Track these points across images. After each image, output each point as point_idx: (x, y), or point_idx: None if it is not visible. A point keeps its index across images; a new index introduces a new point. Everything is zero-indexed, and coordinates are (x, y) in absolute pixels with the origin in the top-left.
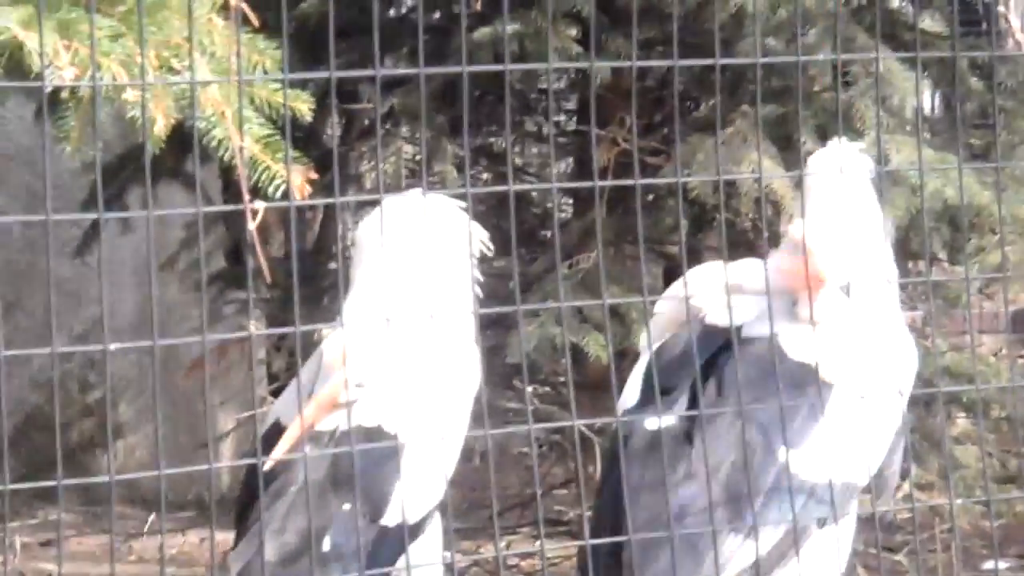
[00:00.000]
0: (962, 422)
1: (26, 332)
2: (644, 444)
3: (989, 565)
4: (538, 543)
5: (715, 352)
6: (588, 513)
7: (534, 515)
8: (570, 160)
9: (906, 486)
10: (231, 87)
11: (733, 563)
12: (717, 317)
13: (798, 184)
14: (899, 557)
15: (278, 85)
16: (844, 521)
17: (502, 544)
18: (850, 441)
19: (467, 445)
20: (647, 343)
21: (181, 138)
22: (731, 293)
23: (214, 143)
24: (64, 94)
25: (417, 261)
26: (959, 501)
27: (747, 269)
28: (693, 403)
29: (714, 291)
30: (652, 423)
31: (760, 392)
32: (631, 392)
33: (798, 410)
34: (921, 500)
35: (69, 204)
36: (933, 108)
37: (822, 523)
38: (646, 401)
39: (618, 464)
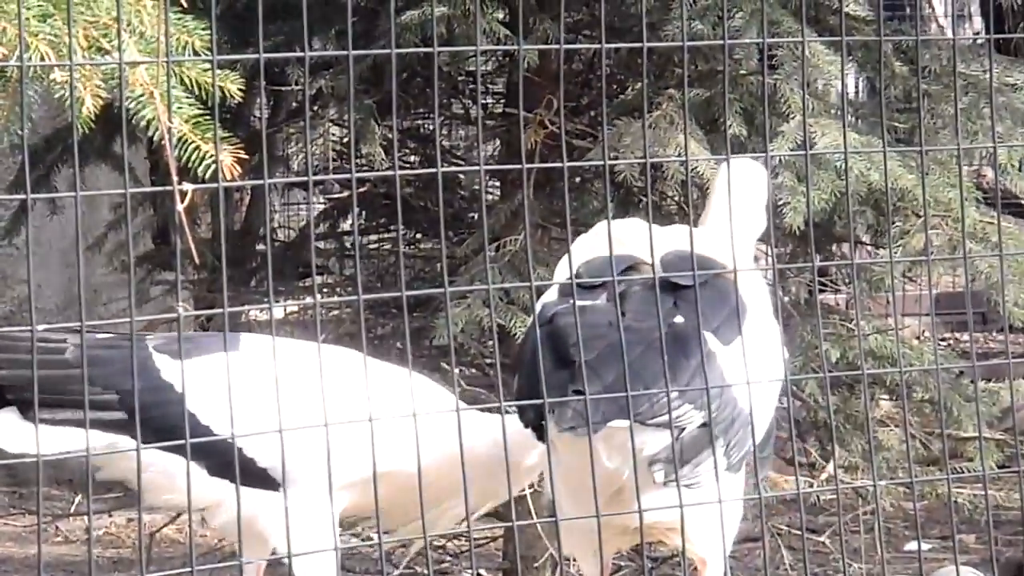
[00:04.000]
0: (885, 404)
1: None
2: (570, 310)
3: (912, 546)
4: (465, 524)
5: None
6: (516, 493)
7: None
8: (497, 142)
9: (829, 467)
10: (160, 68)
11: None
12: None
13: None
14: (823, 538)
15: (207, 66)
16: (739, 475)
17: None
18: (760, 366)
19: None
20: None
21: (109, 119)
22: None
23: (143, 124)
24: None
25: None
26: (882, 483)
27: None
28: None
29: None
30: (580, 301)
31: (686, 293)
32: (549, 295)
33: (723, 314)
34: (844, 482)
35: None
36: (858, 92)
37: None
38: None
39: (542, 328)
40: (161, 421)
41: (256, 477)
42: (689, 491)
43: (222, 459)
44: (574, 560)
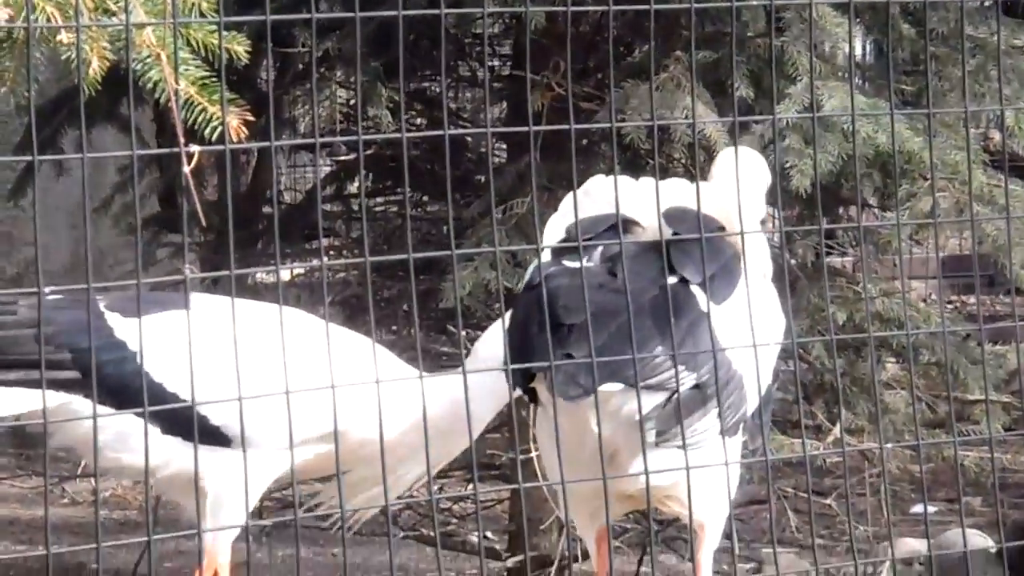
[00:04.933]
0: (892, 367)
1: None
2: (566, 272)
3: (918, 509)
4: (471, 486)
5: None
6: (521, 456)
7: (467, 459)
8: (504, 105)
9: (836, 430)
10: (167, 29)
11: (660, 376)
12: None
13: (731, 130)
14: (829, 501)
15: (214, 27)
16: (735, 439)
17: (435, 488)
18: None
19: None
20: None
21: (116, 80)
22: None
23: (149, 86)
24: None
25: None
26: (888, 445)
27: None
28: (608, 259)
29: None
30: (571, 263)
31: (679, 253)
32: (544, 257)
33: (719, 274)
34: (851, 444)
35: (2, 147)
36: (865, 54)
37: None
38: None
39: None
40: (115, 380)
41: (208, 435)
42: (684, 455)
43: (174, 418)
44: None
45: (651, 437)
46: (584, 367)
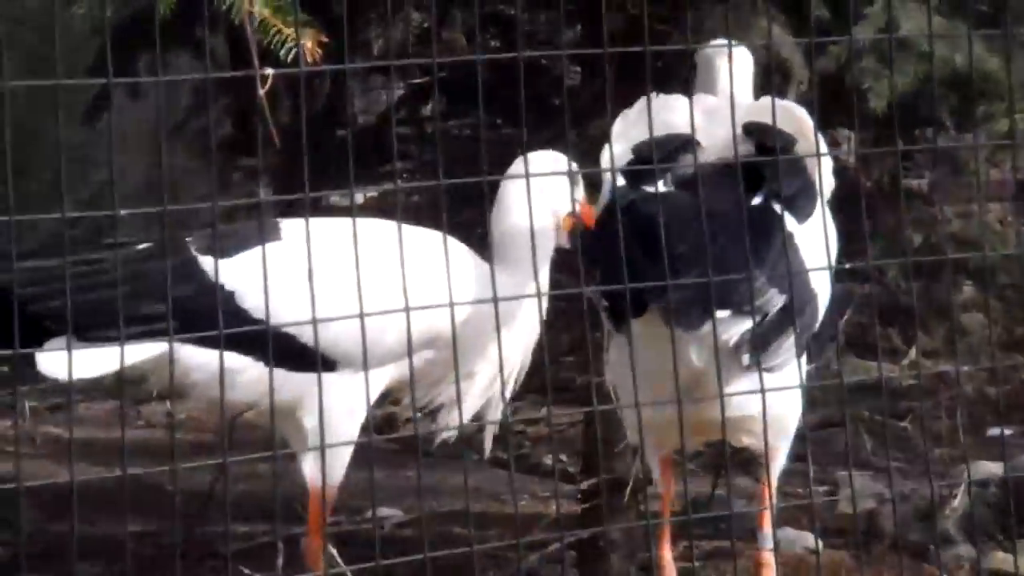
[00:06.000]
0: (968, 289)
1: (35, 197)
2: (652, 198)
3: (994, 431)
4: (544, 410)
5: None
6: (595, 379)
7: (541, 382)
8: (579, 27)
9: (912, 353)
10: None
11: (760, 300)
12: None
13: (806, 52)
14: (904, 424)
15: None
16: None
17: (508, 411)
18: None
19: None
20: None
21: (191, 3)
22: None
23: (224, 7)
24: None
25: None
26: (965, 368)
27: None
28: (679, 183)
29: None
30: (651, 188)
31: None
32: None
33: (800, 193)
34: (927, 367)
35: (77, 69)
36: None
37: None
38: (634, 183)
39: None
40: (214, 323)
41: (312, 361)
42: (767, 377)
43: (277, 350)
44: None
45: (746, 360)
46: (696, 295)
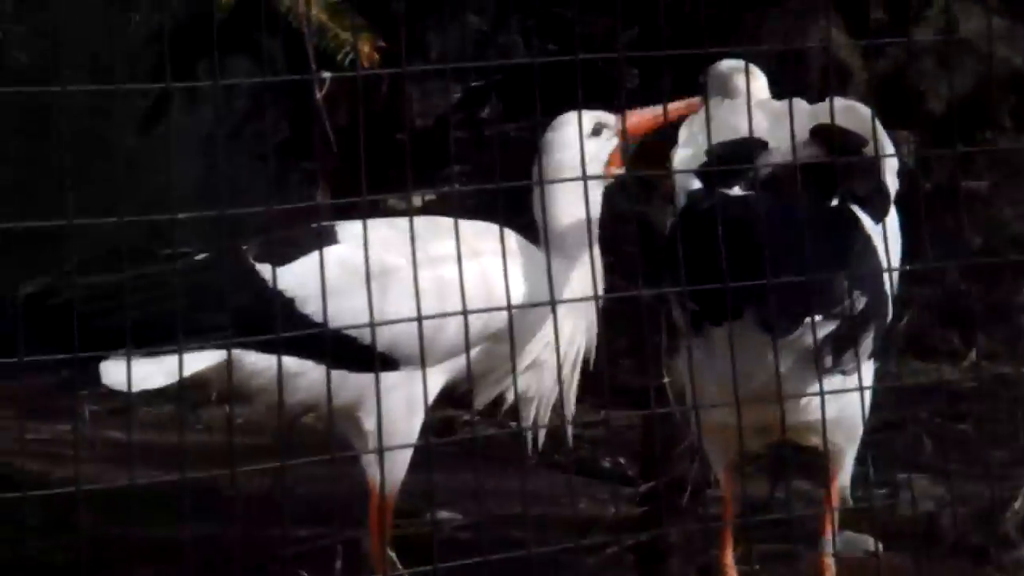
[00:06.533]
0: None
1: (92, 200)
2: (733, 201)
3: None
4: (603, 412)
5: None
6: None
7: (598, 384)
8: (636, 29)
9: (972, 355)
10: None
11: (843, 304)
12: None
13: (865, 53)
14: (964, 426)
15: None
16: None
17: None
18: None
19: None
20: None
21: (248, 6)
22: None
23: (282, 11)
24: None
25: None
26: None
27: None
28: (752, 187)
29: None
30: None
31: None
32: (687, 182)
33: (873, 194)
34: (987, 369)
35: (137, 76)
36: None
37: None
38: (710, 186)
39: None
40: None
41: (371, 362)
42: (842, 380)
43: (338, 351)
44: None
45: (828, 363)
46: (790, 300)
